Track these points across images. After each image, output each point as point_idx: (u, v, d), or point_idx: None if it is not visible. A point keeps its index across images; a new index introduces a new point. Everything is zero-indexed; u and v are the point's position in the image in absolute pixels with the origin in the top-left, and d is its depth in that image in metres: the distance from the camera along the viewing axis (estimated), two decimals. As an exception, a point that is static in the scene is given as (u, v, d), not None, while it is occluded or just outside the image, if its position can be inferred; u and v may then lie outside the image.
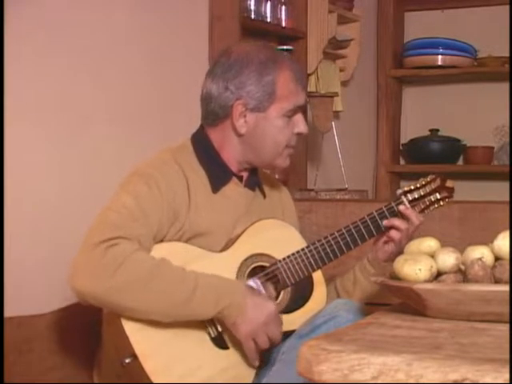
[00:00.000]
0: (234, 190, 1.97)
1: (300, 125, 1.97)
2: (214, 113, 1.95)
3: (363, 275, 2.04)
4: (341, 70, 3.75)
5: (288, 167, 2.08)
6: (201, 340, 1.82)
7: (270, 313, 1.81)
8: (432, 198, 2.01)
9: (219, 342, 1.84)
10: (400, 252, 1.92)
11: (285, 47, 3.23)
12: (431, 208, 2.02)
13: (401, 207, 1.98)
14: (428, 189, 2.01)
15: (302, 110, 2.00)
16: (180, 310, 1.76)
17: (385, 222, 1.97)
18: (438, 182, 2.02)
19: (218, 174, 1.95)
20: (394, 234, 1.97)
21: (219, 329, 1.83)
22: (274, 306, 1.84)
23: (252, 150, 1.96)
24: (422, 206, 2.00)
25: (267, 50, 1.98)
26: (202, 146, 1.97)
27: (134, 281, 1.73)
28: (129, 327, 1.76)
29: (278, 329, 1.84)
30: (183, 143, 1.99)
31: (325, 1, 3.42)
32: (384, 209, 1.99)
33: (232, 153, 1.96)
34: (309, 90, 3.43)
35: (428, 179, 2.02)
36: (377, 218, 1.97)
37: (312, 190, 3.36)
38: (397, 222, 1.97)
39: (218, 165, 1.96)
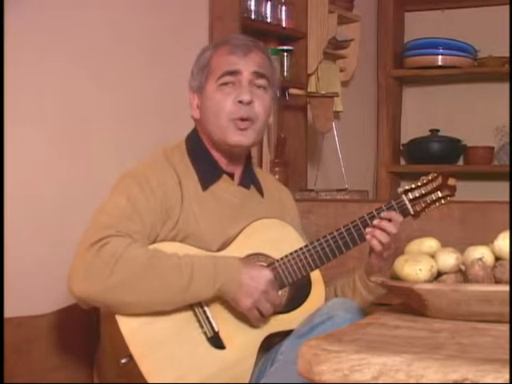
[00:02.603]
0: (225, 188, 1.97)
1: (239, 93, 1.92)
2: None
3: (362, 286, 2.03)
4: (341, 71, 3.75)
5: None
6: (197, 340, 1.82)
7: (266, 281, 1.83)
8: (433, 196, 1.99)
9: (215, 342, 1.84)
10: (385, 262, 1.93)
11: (285, 47, 3.24)
12: (432, 207, 1.99)
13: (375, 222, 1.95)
14: (429, 187, 1.98)
15: (243, 78, 1.93)
16: (181, 296, 1.77)
17: (368, 231, 1.94)
18: (440, 180, 1.99)
19: (207, 171, 1.96)
20: (375, 244, 1.94)
21: (215, 328, 1.83)
22: (269, 272, 1.85)
23: (208, 133, 1.96)
24: (423, 205, 1.98)
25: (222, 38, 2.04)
26: (194, 145, 1.99)
27: (132, 276, 1.73)
28: (125, 327, 1.76)
29: (277, 293, 1.86)
30: (177, 143, 2.01)
31: (325, 1, 3.42)
32: (384, 208, 1.97)
33: (212, 145, 1.97)
34: (309, 90, 3.44)
35: (429, 177, 1.99)
36: (376, 217, 1.96)
37: (312, 190, 3.36)
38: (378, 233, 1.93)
39: (208, 163, 1.97)
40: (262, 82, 1.95)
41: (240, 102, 1.91)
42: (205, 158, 1.97)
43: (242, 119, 1.91)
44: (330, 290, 2.06)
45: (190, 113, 2.00)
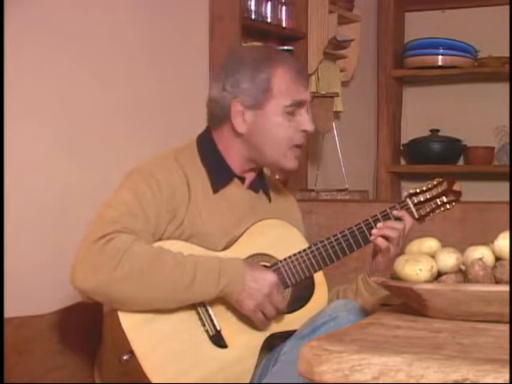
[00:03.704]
0: (234, 191, 1.97)
1: (304, 122, 1.94)
2: (215, 115, 1.97)
3: (365, 287, 2.03)
4: (341, 71, 3.75)
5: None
6: (199, 338, 1.83)
7: (270, 283, 1.83)
8: (438, 201, 2.00)
9: (217, 340, 1.84)
10: (390, 260, 1.92)
11: (285, 47, 3.23)
12: (437, 211, 2.00)
13: (394, 212, 1.97)
14: (434, 192, 2.00)
15: (305, 106, 1.96)
16: (183, 294, 1.78)
17: (373, 232, 1.94)
18: (445, 185, 2.01)
19: (219, 174, 1.95)
20: (380, 241, 1.95)
21: (217, 327, 1.84)
22: (273, 275, 1.85)
23: (255, 150, 1.95)
24: (428, 209, 1.99)
25: (263, 49, 2.01)
26: (206, 147, 1.98)
27: (135, 271, 1.74)
28: (126, 324, 1.76)
29: (280, 296, 1.86)
30: (188, 143, 2.00)
31: (325, 1, 3.42)
32: (388, 211, 1.97)
33: (236, 154, 1.96)
34: (309, 90, 3.43)
35: (435, 182, 2.01)
36: (381, 220, 1.96)
37: (312, 190, 3.36)
38: (387, 230, 1.95)
39: (220, 166, 1.96)
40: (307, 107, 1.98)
41: (305, 131, 1.94)
42: (217, 161, 1.96)
43: (299, 146, 1.95)
44: (332, 293, 2.06)
45: (236, 125, 1.93)
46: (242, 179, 1.99)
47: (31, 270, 2.19)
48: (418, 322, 1.45)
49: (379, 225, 1.94)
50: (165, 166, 1.91)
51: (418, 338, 1.34)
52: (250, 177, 2.01)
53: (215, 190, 1.94)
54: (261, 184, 2.05)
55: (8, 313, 2.00)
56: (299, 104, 1.94)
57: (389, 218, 1.97)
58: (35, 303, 2.13)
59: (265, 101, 1.92)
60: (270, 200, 2.06)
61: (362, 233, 1.96)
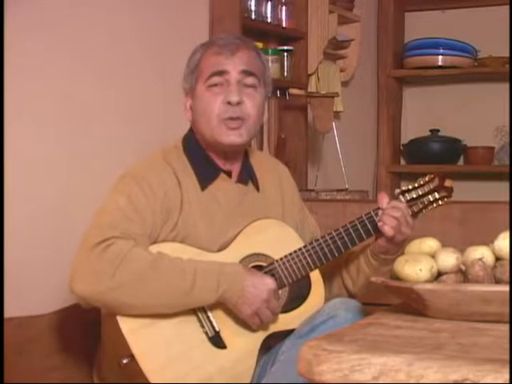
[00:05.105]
0: (222, 186, 1.96)
1: (227, 93, 1.90)
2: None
3: (367, 266, 2.03)
4: (341, 71, 3.75)
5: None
6: (198, 340, 1.82)
7: (269, 290, 1.83)
8: (430, 197, 2.00)
9: (216, 342, 1.84)
10: (394, 244, 1.94)
11: (285, 47, 3.24)
12: (430, 208, 2.00)
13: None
14: (426, 188, 1.99)
15: (230, 78, 1.91)
16: (183, 299, 1.78)
17: (378, 219, 1.95)
18: (437, 181, 2.00)
19: (205, 171, 1.95)
20: (387, 229, 1.95)
21: (216, 328, 1.84)
22: (272, 281, 1.85)
23: (200, 133, 1.96)
24: (421, 206, 1.99)
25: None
26: (191, 145, 1.98)
27: (134, 278, 1.74)
28: (126, 328, 1.76)
29: (278, 302, 1.87)
30: (174, 144, 2.01)
31: (325, 1, 3.43)
32: (382, 208, 1.97)
33: (208, 144, 1.96)
34: (309, 90, 3.44)
35: (426, 179, 2.01)
36: (374, 217, 1.96)
37: (312, 190, 3.36)
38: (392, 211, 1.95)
39: (205, 162, 1.96)
40: (251, 80, 1.93)
41: (229, 102, 1.90)
42: (202, 158, 1.97)
43: (232, 118, 1.90)
44: (336, 285, 2.08)
45: (187, 116, 2.00)
46: (229, 173, 1.99)
47: (31, 270, 2.19)
48: (417, 322, 1.45)
49: (380, 212, 1.94)
50: (156, 168, 1.90)
51: (417, 338, 1.34)
52: (235, 169, 2.00)
53: (203, 187, 1.93)
54: (249, 174, 2.03)
55: (8, 313, 2.00)
56: (220, 75, 1.91)
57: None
58: (35, 303, 2.13)
59: (195, 82, 1.95)
60: (258, 189, 2.05)
61: (357, 231, 1.96)
